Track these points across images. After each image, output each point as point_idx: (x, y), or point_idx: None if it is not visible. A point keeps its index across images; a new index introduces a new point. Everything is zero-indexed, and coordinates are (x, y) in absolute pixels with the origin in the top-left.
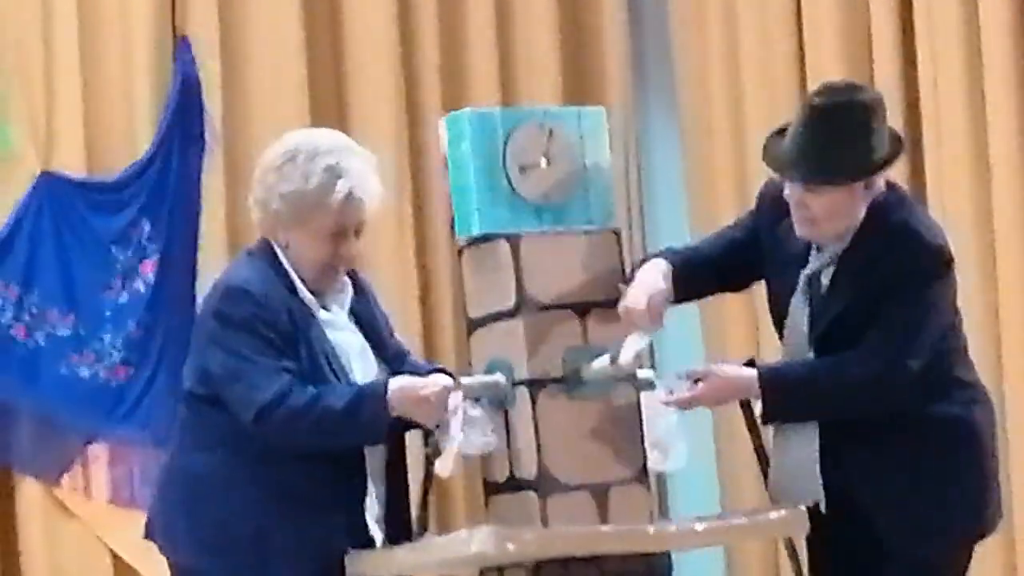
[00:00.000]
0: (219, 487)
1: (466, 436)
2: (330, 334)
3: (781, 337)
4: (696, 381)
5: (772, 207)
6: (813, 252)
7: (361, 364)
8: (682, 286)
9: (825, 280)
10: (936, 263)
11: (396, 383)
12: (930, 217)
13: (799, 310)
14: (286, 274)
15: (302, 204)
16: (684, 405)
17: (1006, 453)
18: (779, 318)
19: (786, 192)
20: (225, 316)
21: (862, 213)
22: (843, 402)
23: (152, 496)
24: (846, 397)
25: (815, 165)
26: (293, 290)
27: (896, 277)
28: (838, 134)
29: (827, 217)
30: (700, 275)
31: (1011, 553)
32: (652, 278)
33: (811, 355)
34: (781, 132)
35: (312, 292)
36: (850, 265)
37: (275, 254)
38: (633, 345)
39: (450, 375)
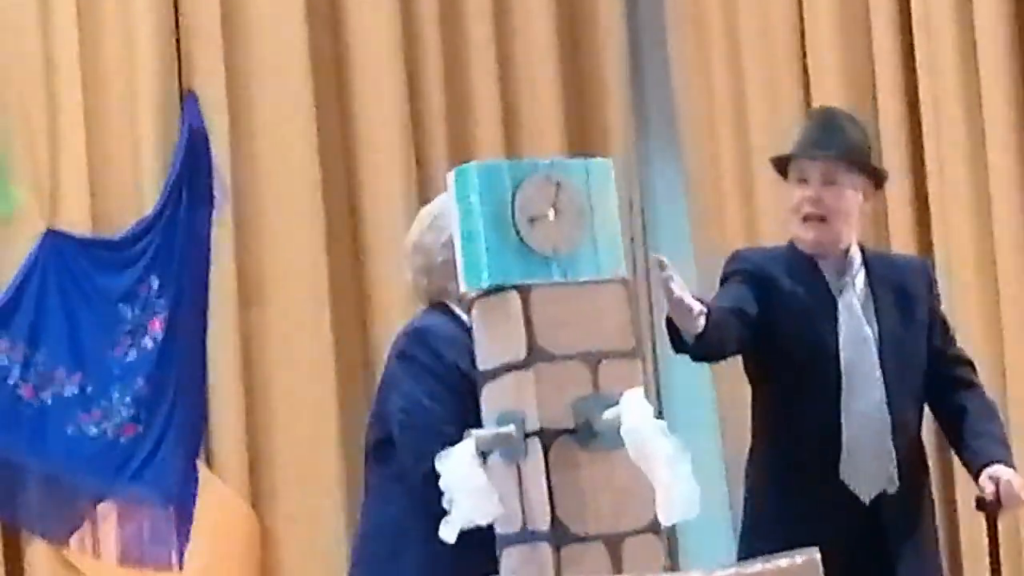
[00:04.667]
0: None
1: (473, 505)
2: None
3: (802, 369)
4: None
5: (755, 261)
6: (829, 277)
7: None
8: (710, 327)
9: (855, 301)
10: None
11: None
12: None
13: (857, 331)
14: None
15: None
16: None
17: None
18: (811, 350)
19: (797, 196)
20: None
21: (855, 230)
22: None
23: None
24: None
25: (841, 146)
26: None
27: (934, 295)
28: (851, 125)
29: (837, 214)
30: (724, 321)
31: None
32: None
33: (878, 372)
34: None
35: None
36: (885, 285)
37: (450, 308)
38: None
39: None
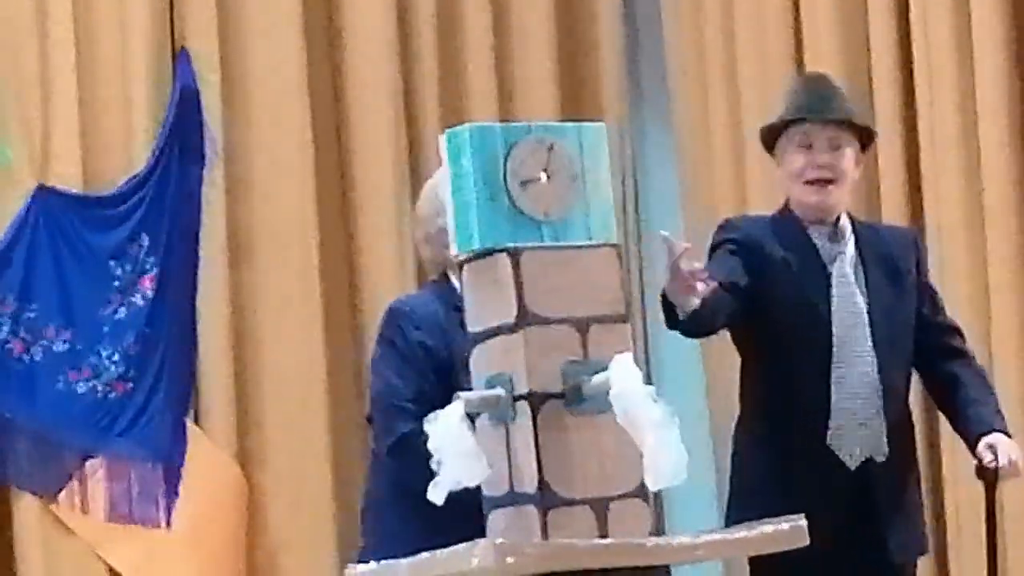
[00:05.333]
0: None
1: (461, 467)
2: None
3: (793, 336)
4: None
5: (746, 229)
6: (822, 246)
7: None
8: (704, 304)
9: (848, 269)
10: None
11: None
12: None
13: (848, 299)
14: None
15: None
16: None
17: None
18: (803, 317)
19: (800, 160)
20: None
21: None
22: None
23: None
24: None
25: (848, 111)
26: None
27: (922, 265)
28: (844, 91)
29: (844, 178)
30: (717, 297)
31: None
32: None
33: (870, 342)
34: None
35: None
36: (874, 255)
37: (448, 280)
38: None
39: None
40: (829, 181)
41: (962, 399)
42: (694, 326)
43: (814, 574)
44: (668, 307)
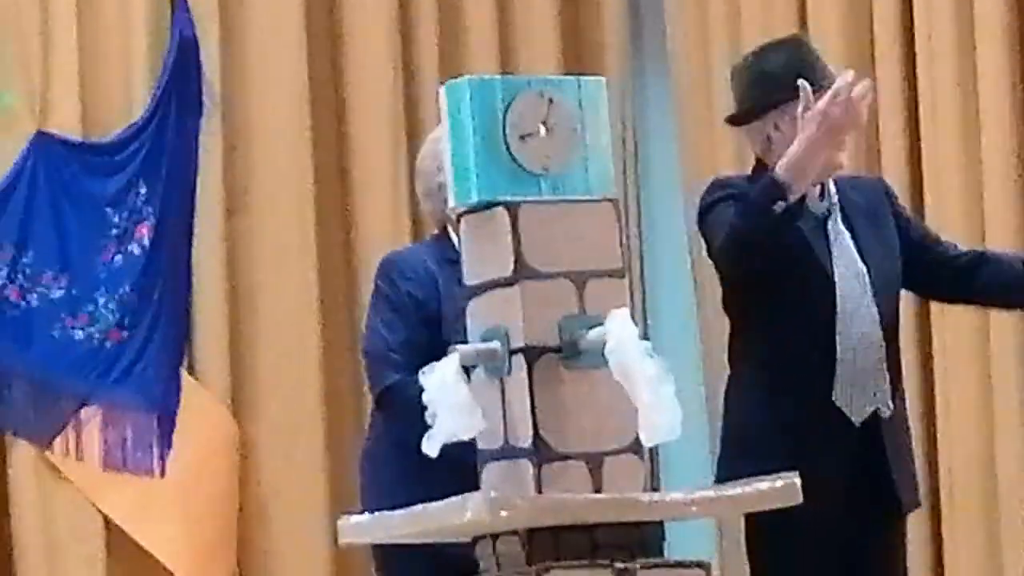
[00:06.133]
0: None
1: (456, 419)
2: None
3: (797, 291)
4: None
5: (740, 186)
6: (815, 204)
7: None
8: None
9: (841, 225)
10: None
11: None
12: None
13: (847, 254)
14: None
15: None
16: None
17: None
18: (808, 271)
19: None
20: None
21: None
22: None
23: None
24: None
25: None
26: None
27: (896, 204)
28: None
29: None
30: None
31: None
32: None
33: (870, 295)
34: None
35: None
36: (855, 208)
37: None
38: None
39: None
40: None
41: (1014, 271)
42: (786, 224)
43: (820, 530)
44: (763, 199)
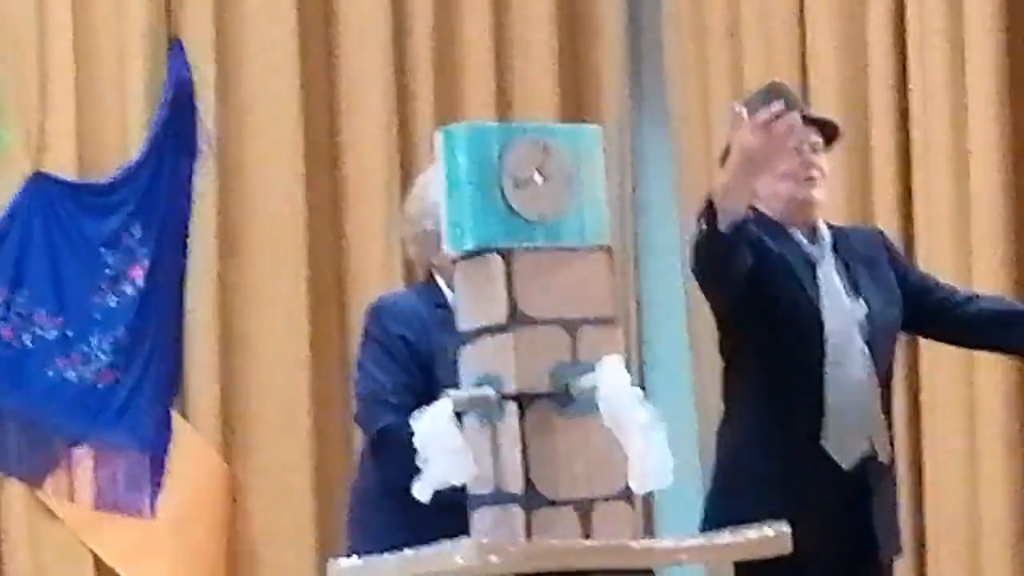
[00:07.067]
0: None
1: (448, 464)
2: None
3: (788, 332)
4: None
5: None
6: (804, 246)
7: None
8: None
9: (833, 270)
10: None
11: None
12: None
13: (837, 298)
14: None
15: None
16: None
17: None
18: (798, 313)
19: (798, 159)
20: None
21: None
22: None
23: None
24: None
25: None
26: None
27: (893, 252)
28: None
29: (824, 180)
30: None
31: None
32: None
33: (863, 341)
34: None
35: None
36: (853, 255)
37: (434, 281)
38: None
39: None
40: (818, 180)
41: (1014, 315)
42: (726, 244)
43: (803, 574)
44: (710, 215)
